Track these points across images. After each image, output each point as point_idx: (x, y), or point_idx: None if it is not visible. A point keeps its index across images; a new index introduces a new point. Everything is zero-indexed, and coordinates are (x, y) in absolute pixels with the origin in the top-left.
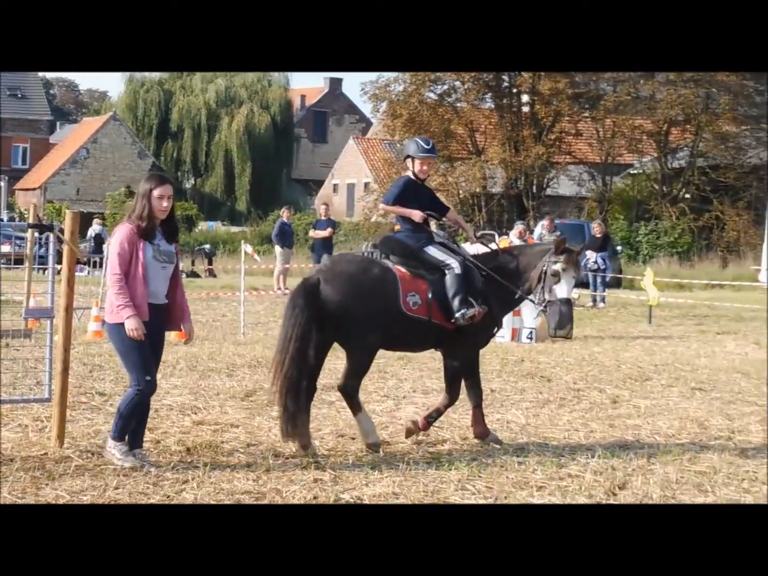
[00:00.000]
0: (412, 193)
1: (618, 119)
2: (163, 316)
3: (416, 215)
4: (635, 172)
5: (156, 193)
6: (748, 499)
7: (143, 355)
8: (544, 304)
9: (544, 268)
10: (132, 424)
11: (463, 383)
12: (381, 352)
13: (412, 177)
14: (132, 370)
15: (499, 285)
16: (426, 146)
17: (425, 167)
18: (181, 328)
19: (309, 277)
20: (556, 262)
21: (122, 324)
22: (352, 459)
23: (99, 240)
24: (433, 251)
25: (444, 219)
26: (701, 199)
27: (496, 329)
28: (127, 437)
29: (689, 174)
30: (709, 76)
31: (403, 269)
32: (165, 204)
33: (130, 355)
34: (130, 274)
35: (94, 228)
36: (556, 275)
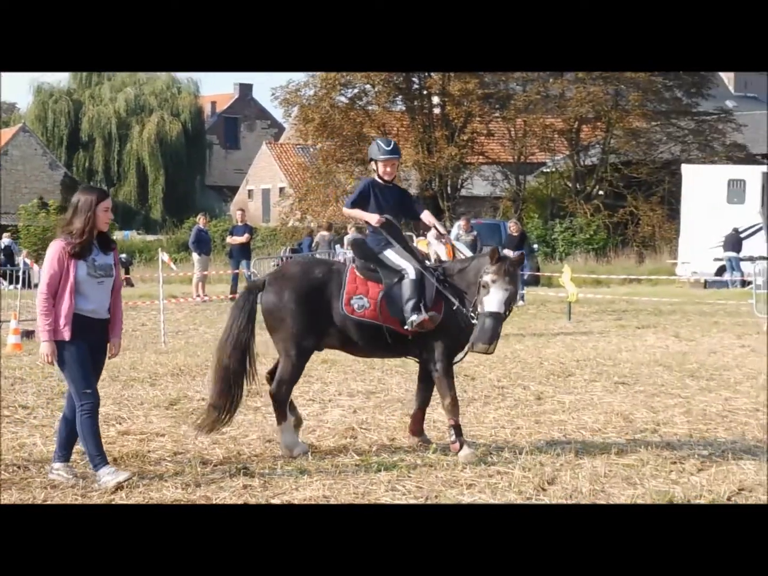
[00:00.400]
0: (376, 195)
1: (529, 118)
2: (106, 330)
3: (373, 219)
4: (548, 170)
5: (102, 205)
6: (677, 491)
7: (81, 369)
8: (474, 317)
9: (480, 278)
10: (98, 440)
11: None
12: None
13: (377, 179)
14: (71, 383)
15: (455, 292)
16: (386, 147)
17: (388, 168)
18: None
19: (256, 279)
20: (487, 273)
21: (62, 341)
22: (281, 464)
23: (8, 252)
24: (391, 255)
25: (423, 220)
26: (615, 196)
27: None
28: (57, 452)
29: (602, 171)
30: (617, 73)
31: (358, 272)
32: (110, 216)
33: (68, 369)
34: (58, 293)
35: (4, 241)
36: (486, 287)
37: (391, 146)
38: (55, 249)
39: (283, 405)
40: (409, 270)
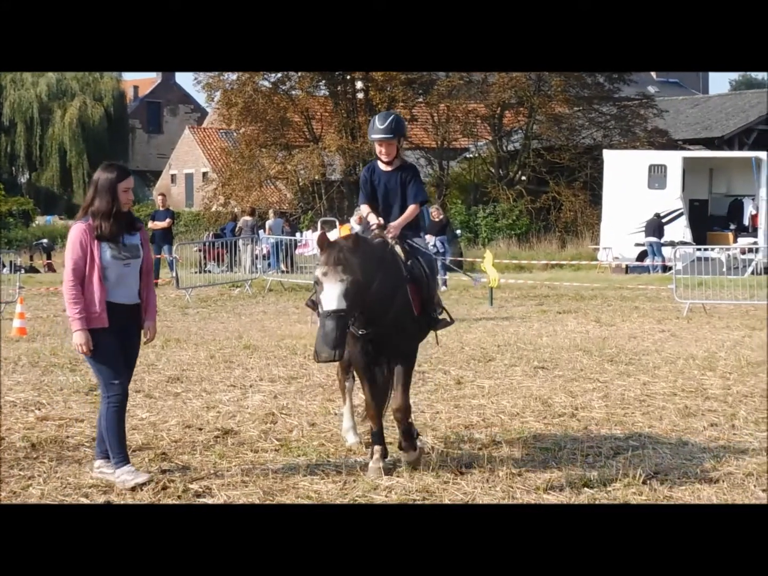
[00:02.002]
0: (374, 181)
1: (451, 104)
2: (137, 315)
3: (372, 222)
4: (471, 156)
5: (122, 185)
6: (593, 474)
7: (109, 359)
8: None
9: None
10: (121, 437)
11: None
12: (225, 342)
13: (378, 163)
14: (98, 374)
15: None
16: (380, 126)
17: (383, 149)
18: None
19: None
20: (317, 266)
21: (91, 330)
22: (200, 449)
23: None
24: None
25: None
26: (537, 181)
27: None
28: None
29: (524, 156)
30: None
31: None
32: (130, 197)
33: (95, 360)
34: (86, 279)
35: None
36: (319, 283)
37: (386, 123)
38: (77, 232)
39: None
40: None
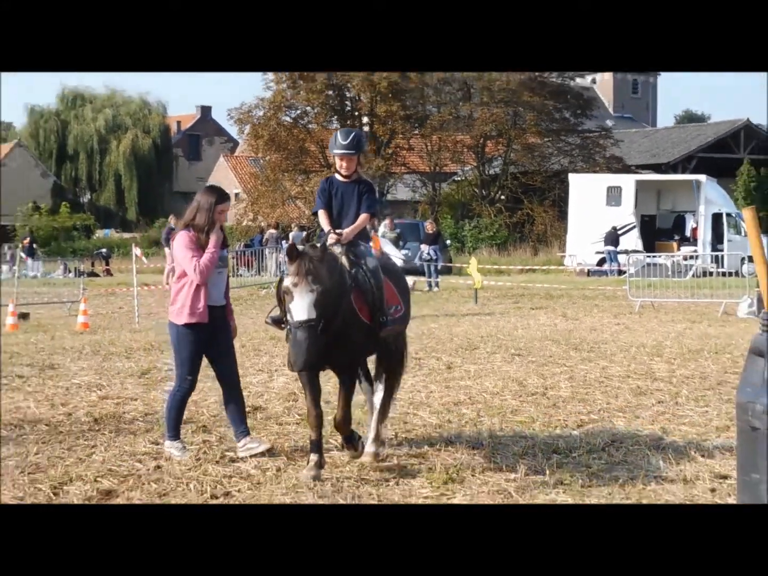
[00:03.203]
0: (332, 193)
1: (442, 135)
2: (223, 314)
3: (326, 230)
4: (459, 179)
5: (219, 207)
6: (561, 443)
7: (191, 356)
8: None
9: (282, 283)
10: (178, 419)
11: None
12: (254, 334)
13: (336, 174)
14: (178, 367)
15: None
16: (342, 141)
17: (344, 163)
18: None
19: None
20: (287, 276)
21: (181, 325)
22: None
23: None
24: None
25: None
26: (514, 200)
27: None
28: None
29: (503, 179)
30: (516, 97)
31: None
32: (224, 218)
33: (180, 353)
34: (190, 281)
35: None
36: (288, 293)
37: (348, 140)
38: (185, 239)
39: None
40: None
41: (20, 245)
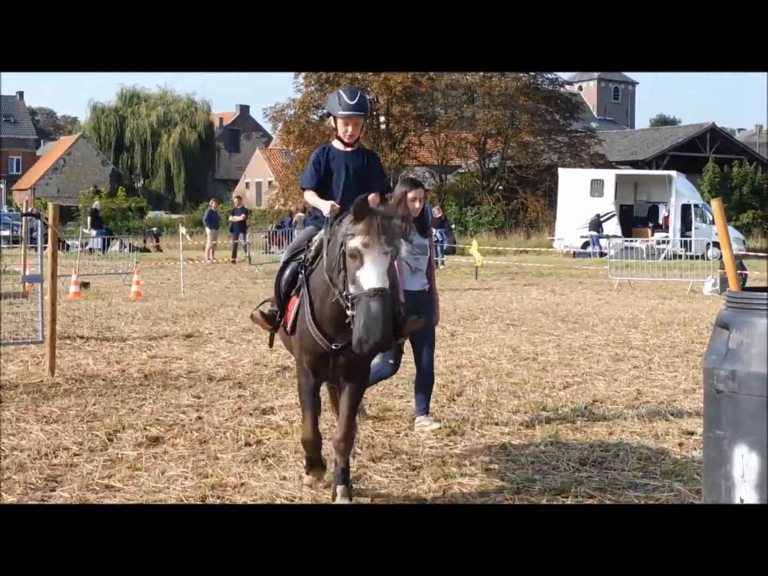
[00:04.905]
0: (332, 165)
1: (449, 133)
2: (425, 299)
3: (325, 208)
4: (463, 171)
5: (410, 195)
6: (549, 401)
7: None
8: (351, 304)
9: (342, 247)
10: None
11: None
12: None
13: (335, 143)
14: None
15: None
16: (350, 101)
17: (350, 128)
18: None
19: None
20: (353, 235)
21: None
22: (266, 380)
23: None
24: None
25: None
26: (510, 190)
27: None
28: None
29: (501, 172)
30: (513, 101)
31: None
32: (417, 205)
33: None
34: None
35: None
36: (356, 256)
37: (356, 99)
38: None
39: None
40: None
41: (89, 219)
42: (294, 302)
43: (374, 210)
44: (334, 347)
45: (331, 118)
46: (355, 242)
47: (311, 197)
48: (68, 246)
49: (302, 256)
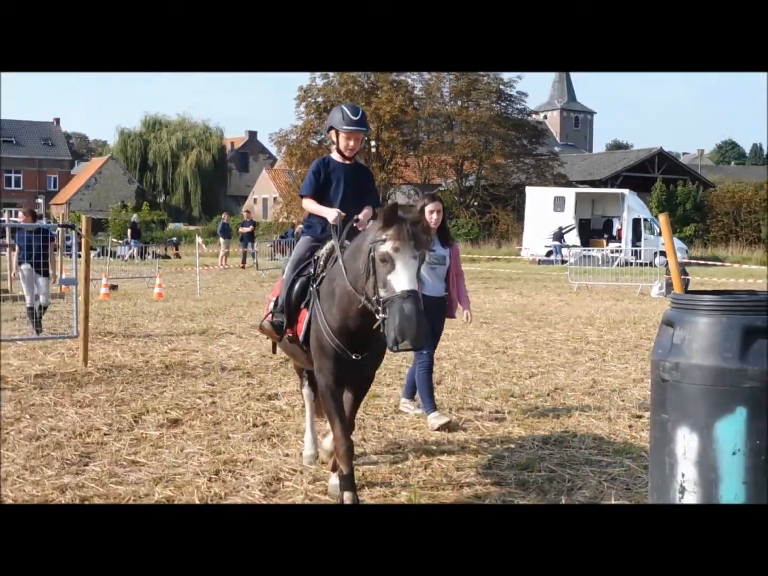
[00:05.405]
0: (332, 176)
1: (431, 156)
2: (442, 306)
3: (330, 215)
4: (443, 189)
5: (428, 208)
6: (516, 389)
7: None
8: (382, 307)
9: (372, 253)
10: (431, 391)
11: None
12: None
13: (333, 155)
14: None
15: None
16: (353, 117)
17: (351, 143)
18: (454, 314)
19: None
20: (383, 241)
21: None
22: (271, 370)
23: (135, 228)
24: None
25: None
26: (484, 206)
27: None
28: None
29: (476, 190)
30: (486, 128)
31: None
32: (435, 217)
33: None
34: None
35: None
36: (387, 260)
37: (359, 115)
38: None
39: None
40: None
41: (128, 231)
42: (304, 314)
43: (403, 217)
44: (354, 357)
45: (333, 131)
46: (385, 247)
47: (312, 204)
48: (114, 253)
49: (309, 270)
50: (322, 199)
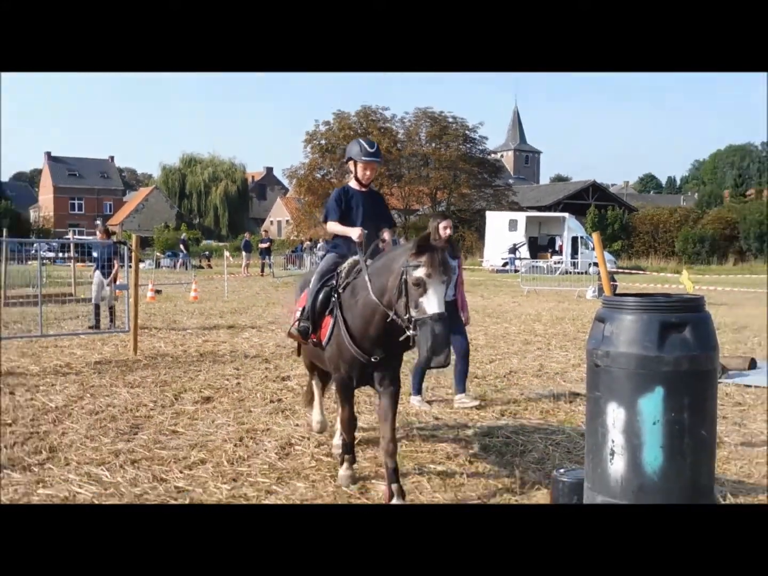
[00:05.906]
0: (352, 203)
1: (411, 187)
2: (452, 308)
3: (354, 234)
4: (420, 213)
5: (442, 225)
6: (479, 371)
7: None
8: (412, 325)
9: (404, 276)
10: (464, 376)
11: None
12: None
13: (351, 184)
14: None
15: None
16: (370, 149)
17: (368, 172)
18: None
19: None
20: (416, 267)
21: None
22: (285, 357)
23: (186, 244)
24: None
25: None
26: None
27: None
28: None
29: (447, 214)
30: (455, 165)
31: None
32: (448, 232)
33: None
34: None
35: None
36: (420, 284)
37: (375, 148)
38: None
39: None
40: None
41: (181, 246)
42: (328, 321)
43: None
44: (373, 360)
45: (351, 162)
46: (419, 272)
47: (337, 227)
48: (159, 263)
49: (333, 282)
50: (344, 222)
